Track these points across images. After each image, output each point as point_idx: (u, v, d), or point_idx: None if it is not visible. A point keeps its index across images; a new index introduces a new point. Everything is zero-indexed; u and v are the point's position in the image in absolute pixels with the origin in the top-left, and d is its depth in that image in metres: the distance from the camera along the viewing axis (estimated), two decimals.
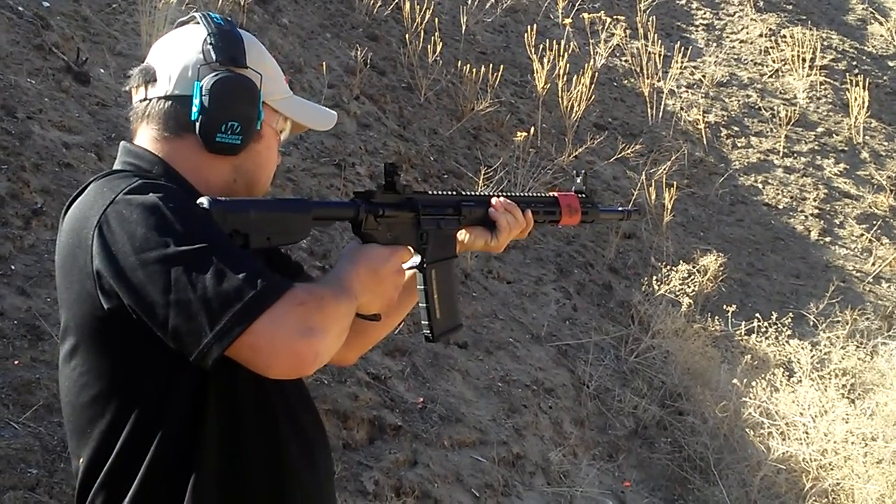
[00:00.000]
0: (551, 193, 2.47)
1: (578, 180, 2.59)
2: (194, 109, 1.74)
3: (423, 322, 2.09)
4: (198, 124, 1.74)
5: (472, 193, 2.25)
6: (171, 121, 1.78)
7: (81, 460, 1.74)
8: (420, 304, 2.09)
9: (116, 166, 1.81)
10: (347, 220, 1.90)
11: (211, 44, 1.77)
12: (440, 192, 2.16)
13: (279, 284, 1.58)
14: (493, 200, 2.23)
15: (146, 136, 1.81)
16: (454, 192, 2.20)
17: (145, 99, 1.81)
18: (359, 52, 7.43)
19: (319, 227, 1.91)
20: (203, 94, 1.73)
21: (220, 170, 1.81)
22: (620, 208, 2.79)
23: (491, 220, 2.22)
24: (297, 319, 1.56)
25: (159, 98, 1.79)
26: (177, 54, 1.80)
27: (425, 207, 2.04)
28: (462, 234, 2.20)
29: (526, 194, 2.42)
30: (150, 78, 1.81)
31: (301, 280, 2.03)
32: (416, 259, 2.05)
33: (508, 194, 2.29)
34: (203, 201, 1.61)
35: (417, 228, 2.03)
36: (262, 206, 1.74)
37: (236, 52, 1.78)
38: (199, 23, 1.81)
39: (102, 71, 5.48)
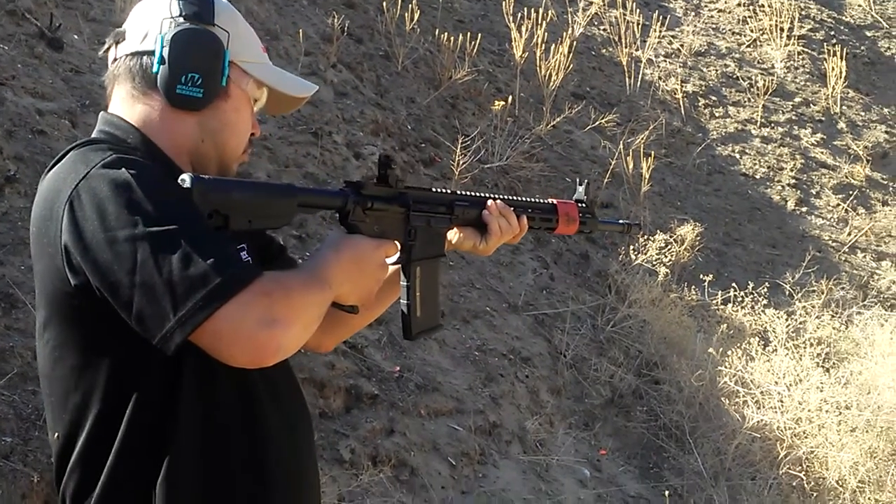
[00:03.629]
0: (551, 200, 2.39)
1: (581, 189, 2.50)
2: (155, 60, 1.73)
3: (402, 319, 2.04)
4: (159, 77, 1.73)
5: (468, 193, 2.17)
6: (137, 77, 1.77)
7: (56, 435, 1.73)
8: (401, 301, 2.03)
9: (94, 135, 1.80)
10: (334, 210, 1.86)
11: (178, 0, 1.76)
12: (435, 189, 2.10)
13: (247, 272, 1.56)
14: (489, 203, 2.16)
15: (118, 98, 1.81)
16: (450, 191, 2.13)
17: (115, 59, 1.81)
18: (335, 20, 7.38)
19: (304, 213, 1.86)
20: (164, 45, 1.72)
21: (187, 128, 1.78)
22: (621, 221, 2.72)
23: (483, 222, 2.16)
24: (262, 309, 1.54)
25: (127, 55, 1.78)
26: (145, 13, 1.79)
27: (416, 203, 1.98)
28: (452, 234, 2.14)
29: (524, 198, 2.33)
30: (119, 38, 1.80)
31: (283, 262, 2.02)
32: (402, 255, 2.00)
33: (506, 197, 2.23)
34: (185, 178, 1.56)
35: (406, 224, 1.97)
36: (247, 188, 1.70)
37: (203, 8, 1.77)
38: None
39: (76, 37, 5.42)
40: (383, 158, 1.93)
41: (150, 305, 1.51)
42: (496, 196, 2.20)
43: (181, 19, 1.74)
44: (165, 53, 1.72)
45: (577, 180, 2.60)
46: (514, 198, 2.27)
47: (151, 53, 1.75)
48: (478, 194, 2.19)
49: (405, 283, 2.02)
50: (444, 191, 2.12)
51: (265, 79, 1.89)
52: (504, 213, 2.18)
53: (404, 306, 2.03)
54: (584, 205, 2.47)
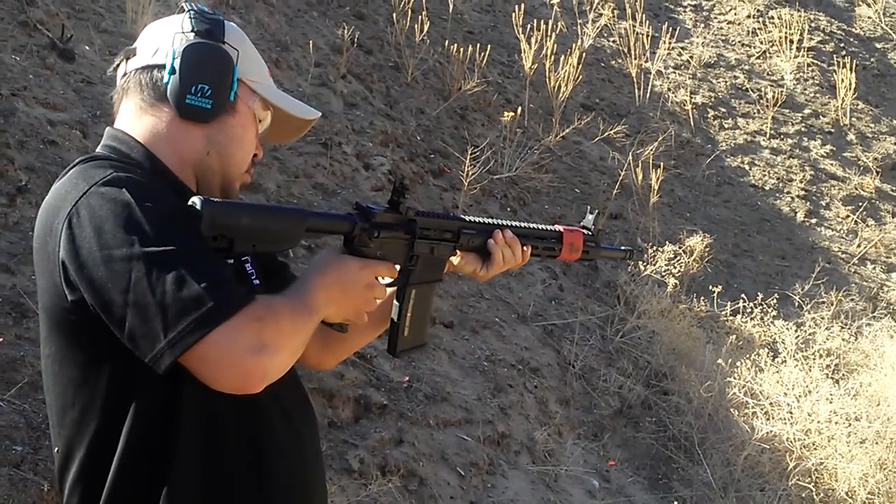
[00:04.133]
0: (557, 227, 2.37)
1: (590, 217, 2.49)
2: (166, 72, 1.76)
3: (388, 335, 2.05)
4: (169, 87, 1.75)
5: (477, 220, 2.15)
6: (147, 89, 1.79)
7: (56, 450, 1.73)
8: (391, 318, 2.03)
9: (99, 150, 1.81)
10: (341, 234, 1.85)
11: (190, 18, 1.78)
12: (444, 215, 2.10)
13: (239, 297, 1.56)
14: (496, 233, 2.15)
15: (126, 112, 1.82)
16: (458, 218, 2.12)
17: (125, 74, 1.83)
18: (345, 31, 7.40)
19: (311, 237, 1.85)
20: (175, 57, 1.75)
21: (193, 140, 1.80)
22: (623, 248, 2.72)
23: (487, 251, 2.15)
24: (252, 335, 1.54)
25: (137, 70, 1.80)
26: (157, 30, 1.83)
27: (422, 230, 1.98)
28: (454, 257, 2.14)
29: (531, 226, 2.30)
30: (130, 54, 1.83)
31: (284, 279, 2.01)
32: (400, 277, 1.99)
33: (513, 225, 2.21)
34: (196, 201, 1.57)
35: (409, 250, 1.97)
36: (256, 213, 1.70)
37: (214, 27, 1.80)
38: (185, 10, 1.82)
39: (87, 48, 5.45)
40: (398, 185, 1.92)
41: (142, 325, 1.52)
42: (504, 224, 2.19)
43: (192, 35, 1.77)
44: (177, 65, 1.74)
45: (589, 209, 2.59)
46: (521, 225, 2.26)
47: (162, 67, 1.77)
48: (487, 221, 2.18)
49: (397, 304, 2.02)
50: (455, 216, 2.11)
51: (271, 98, 1.91)
52: (510, 243, 2.17)
53: (393, 325, 2.03)
54: (589, 233, 2.47)
